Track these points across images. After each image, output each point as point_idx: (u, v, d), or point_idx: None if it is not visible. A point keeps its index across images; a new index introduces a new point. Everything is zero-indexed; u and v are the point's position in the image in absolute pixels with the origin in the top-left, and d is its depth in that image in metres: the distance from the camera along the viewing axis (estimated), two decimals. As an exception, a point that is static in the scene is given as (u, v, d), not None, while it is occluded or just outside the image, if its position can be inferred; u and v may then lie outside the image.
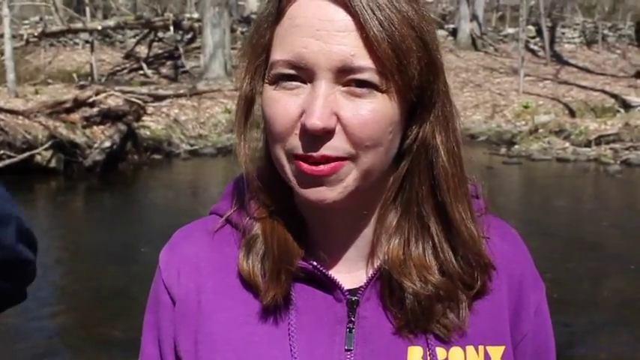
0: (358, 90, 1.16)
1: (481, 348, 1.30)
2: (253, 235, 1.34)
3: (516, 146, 19.00)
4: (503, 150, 18.65)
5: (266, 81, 1.23)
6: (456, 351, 1.28)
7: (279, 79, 1.20)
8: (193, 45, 29.17)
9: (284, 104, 1.19)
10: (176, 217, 12.82)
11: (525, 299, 1.37)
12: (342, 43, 1.15)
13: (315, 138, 1.17)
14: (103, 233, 12.12)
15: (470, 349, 1.29)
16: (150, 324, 1.44)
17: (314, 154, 1.17)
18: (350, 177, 1.20)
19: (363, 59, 1.14)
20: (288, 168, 1.23)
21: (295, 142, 1.19)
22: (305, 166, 1.18)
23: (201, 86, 23.57)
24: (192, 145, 20.07)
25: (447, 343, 1.28)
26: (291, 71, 1.18)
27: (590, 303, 8.24)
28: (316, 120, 1.13)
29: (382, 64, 1.14)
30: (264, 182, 1.34)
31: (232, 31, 27.71)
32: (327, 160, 1.18)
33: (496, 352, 1.31)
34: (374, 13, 1.14)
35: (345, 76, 1.15)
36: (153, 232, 11.94)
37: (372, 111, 1.16)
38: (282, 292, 1.28)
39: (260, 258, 1.31)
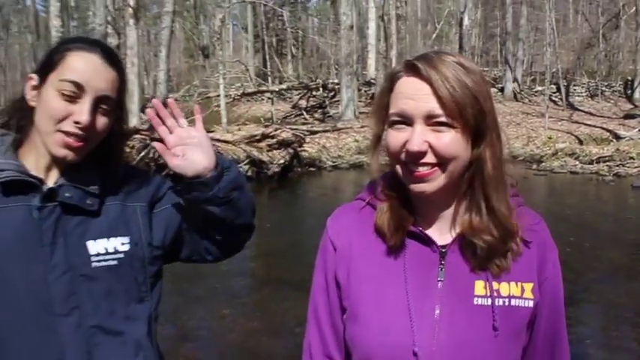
0: (439, 127, 1.21)
1: (519, 283, 1.30)
2: (383, 208, 1.35)
3: (543, 164, 18.31)
4: (534, 166, 17.99)
5: (387, 124, 1.29)
6: (503, 284, 1.29)
7: (394, 123, 1.26)
8: (334, 99, 28.69)
9: (397, 137, 1.25)
10: (324, 207, 12.60)
11: (547, 256, 1.36)
12: (427, 101, 1.20)
13: (416, 156, 1.22)
14: (280, 217, 12.12)
15: (512, 283, 1.30)
16: (320, 264, 1.44)
17: (416, 165, 1.24)
18: (439, 178, 1.24)
19: (439, 110, 1.20)
20: (402, 173, 1.28)
21: (405, 158, 1.25)
22: (413, 171, 1.24)
23: (339, 125, 23.37)
24: (334, 162, 19.73)
25: (498, 278, 1.29)
26: (400, 119, 1.24)
27: (589, 267, 7.62)
28: (414, 146, 1.21)
29: (450, 114, 1.20)
30: (388, 182, 1.36)
31: (358, 90, 27.37)
32: (425, 167, 1.24)
33: (527, 286, 1.31)
34: (444, 84, 1.19)
35: (430, 120, 1.21)
36: (310, 216, 12.11)
37: (448, 138, 1.21)
38: (399, 240, 1.31)
39: (387, 220, 1.33)
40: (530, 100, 29.06)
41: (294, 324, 5.34)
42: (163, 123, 1.57)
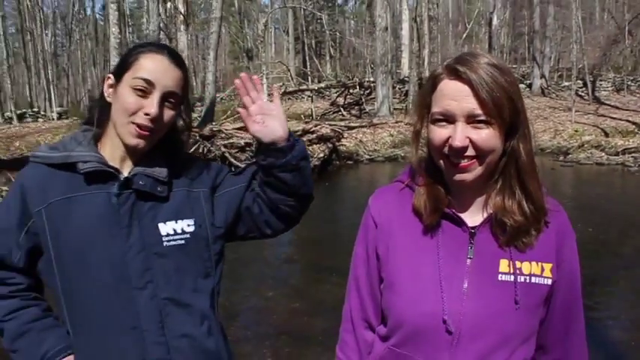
0: (478, 125, 1.26)
1: (539, 263, 1.33)
2: (420, 191, 1.40)
3: (570, 155, 17.82)
4: (561, 158, 17.55)
5: (429, 121, 1.34)
6: (525, 263, 1.32)
7: (436, 121, 1.31)
8: (370, 97, 28.42)
9: (439, 133, 1.30)
10: (361, 197, 13.02)
11: (565, 241, 1.38)
12: (468, 102, 1.25)
13: (459, 150, 1.27)
14: (320, 207, 11.96)
15: (533, 262, 1.33)
16: (361, 238, 1.49)
17: (459, 158, 1.29)
18: (478, 168, 1.30)
19: (479, 110, 1.25)
20: (444, 165, 1.33)
21: (447, 152, 1.30)
22: (455, 164, 1.30)
23: (375, 121, 23.18)
24: (370, 156, 19.63)
25: (521, 257, 1.33)
26: (442, 117, 1.29)
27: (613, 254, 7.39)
28: (458, 142, 1.26)
29: (489, 113, 1.25)
30: (425, 168, 1.41)
31: (393, 87, 27.07)
32: (465, 159, 1.29)
33: (547, 266, 1.34)
34: (483, 86, 1.24)
35: (470, 118, 1.26)
36: (348, 206, 12.27)
37: (487, 134, 1.26)
38: (434, 220, 1.36)
39: (424, 202, 1.37)
40: (557, 95, 28.38)
41: (332, 305, 5.36)
42: (248, 94, 1.65)
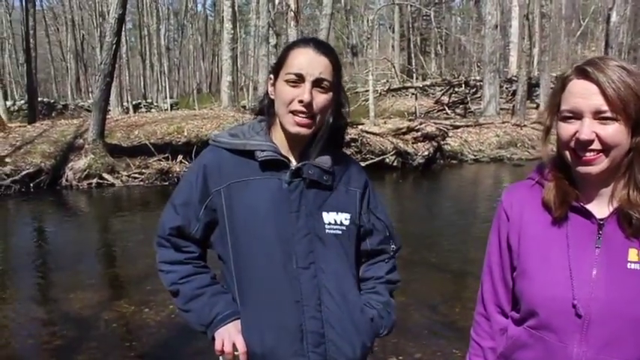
0: (604, 121, 1.31)
1: None
2: (550, 186, 1.45)
3: None
4: None
5: (558, 119, 1.40)
6: None
7: (565, 118, 1.37)
8: (476, 95, 28.07)
9: (567, 129, 1.36)
10: (464, 197, 12.85)
11: None
12: (595, 100, 1.31)
13: (585, 143, 1.32)
14: (423, 205, 12.18)
15: None
16: (494, 229, 1.58)
17: (585, 151, 1.34)
18: (604, 162, 1.34)
19: (605, 107, 1.30)
20: (571, 158, 1.38)
21: (574, 146, 1.35)
22: (581, 157, 1.35)
23: (481, 120, 22.75)
24: (475, 156, 19.47)
25: None
26: (570, 114, 1.35)
27: None
28: (585, 135, 1.32)
29: (615, 109, 1.30)
30: (554, 165, 1.46)
31: (500, 87, 26.42)
32: (591, 153, 1.33)
33: None
34: (610, 85, 1.29)
35: (597, 115, 1.31)
36: (451, 205, 12.08)
37: (613, 130, 1.30)
38: (563, 213, 1.42)
39: (553, 196, 1.43)
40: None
41: (438, 301, 5.47)
42: None
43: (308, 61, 1.64)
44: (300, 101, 1.63)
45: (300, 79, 1.64)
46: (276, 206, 1.66)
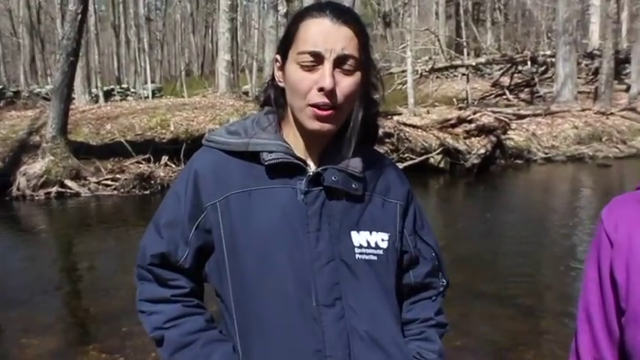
0: None
1: None
2: None
3: None
4: None
5: None
6: None
7: None
8: (546, 75, 28.01)
9: None
10: (532, 208, 12.70)
11: None
12: None
13: None
14: (477, 217, 12.15)
15: None
16: (592, 258, 1.50)
17: None
18: None
19: None
20: None
21: None
22: None
23: (553, 108, 22.68)
24: (546, 154, 19.48)
25: None
26: None
27: None
28: None
29: None
30: None
31: (578, 63, 26.27)
32: None
33: None
34: None
35: None
36: (514, 219, 11.94)
37: None
38: None
39: None
40: None
41: (504, 345, 5.32)
42: None
43: (325, 34, 1.55)
44: (321, 89, 1.54)
45: (317, 59, 1.55)
46: (289, 224, 1.60)
